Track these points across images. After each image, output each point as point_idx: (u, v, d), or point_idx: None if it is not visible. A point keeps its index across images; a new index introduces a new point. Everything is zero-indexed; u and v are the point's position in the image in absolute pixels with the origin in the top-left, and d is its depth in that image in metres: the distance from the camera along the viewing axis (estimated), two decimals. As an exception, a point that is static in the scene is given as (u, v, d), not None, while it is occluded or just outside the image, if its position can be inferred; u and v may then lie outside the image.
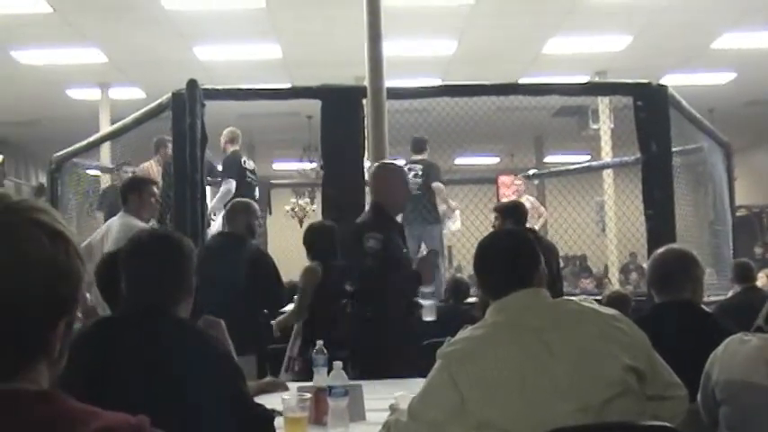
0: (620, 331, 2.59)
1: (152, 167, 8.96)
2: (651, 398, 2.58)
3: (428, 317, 5.52)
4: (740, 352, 3.09)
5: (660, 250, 3.94)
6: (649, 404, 2.58)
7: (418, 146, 9.82)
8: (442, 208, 9.89)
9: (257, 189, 9.32)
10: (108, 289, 3.45)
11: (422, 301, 5.54)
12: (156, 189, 6.34)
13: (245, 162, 8.78)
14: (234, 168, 8.83)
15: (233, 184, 8.54)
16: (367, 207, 6.11)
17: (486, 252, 2.81)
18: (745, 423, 2.96)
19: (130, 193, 6.19)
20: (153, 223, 6.68)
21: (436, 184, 9.66)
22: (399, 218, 5.94)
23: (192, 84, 7.12)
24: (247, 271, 5.88)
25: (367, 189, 7.28)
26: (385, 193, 5.48)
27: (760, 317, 3.10)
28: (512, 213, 6.90)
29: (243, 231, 6.13)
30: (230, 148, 9.15)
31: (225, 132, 9.27)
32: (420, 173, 9.59)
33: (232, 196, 8.10)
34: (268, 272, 6.05)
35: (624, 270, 16.11)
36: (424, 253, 7.73)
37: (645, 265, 6.45)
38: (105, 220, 7.54)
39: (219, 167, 9.19)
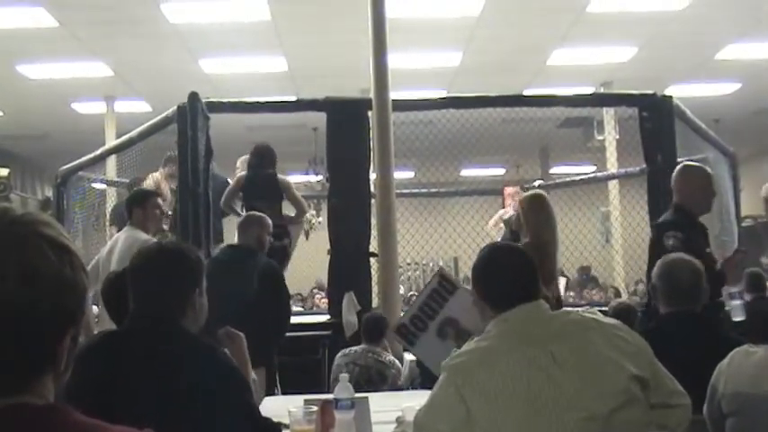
0: (623, 340, 2.59)
1: (160, 179, 8.97)
2: (655, 406, 2.58)
3: (738, 316, 5.43)
4: (746, 364, 3.08)
5: (667, 260, 3.93)
6: (654, 413, 2.57)
7: None
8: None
9: None
10: (113, 306, 3.45)
11: (732, 302, 5.42)
12: (160, 201, 6.34)
13: None
14: None
15: None
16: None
17: (492, 266, 2.81)
18: (753, 434, 2.96)
19: (135, 207, 6.20)
20: (159, 235, 6.69)
21: None
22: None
23: (194, 96, 7.13)
24: (257, 284, 5.88)
25: (373, 201, 7.30)
26: (687, 194, 5.34)
27: None
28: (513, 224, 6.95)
29: (254, 244, 6.14)
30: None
31: (243, 159, 9.37)
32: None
33: None
34: (277, 285, 6.06)
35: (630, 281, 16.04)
36: None
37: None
38: None
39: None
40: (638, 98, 8.05)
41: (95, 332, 5.03)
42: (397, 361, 6.02)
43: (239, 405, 2.71)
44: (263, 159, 7.76)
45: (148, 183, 8.63)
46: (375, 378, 5.72)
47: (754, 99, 15.14)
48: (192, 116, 7.04)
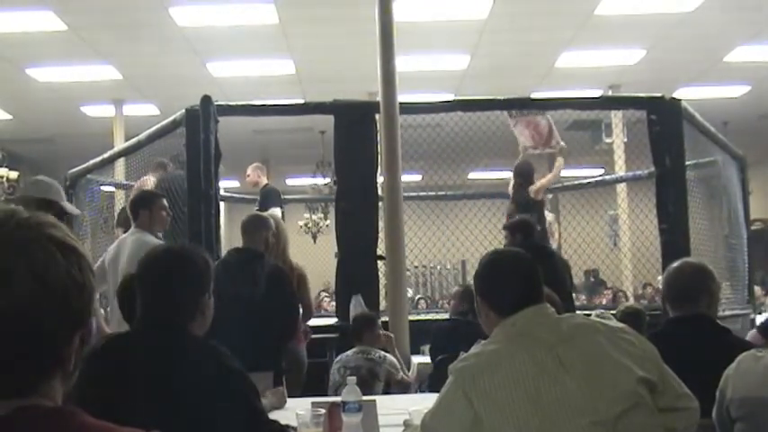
0: (630, 343, 2.58)
1: (149, 182, 9.06)
2: (663, 410, 2.57)
3: None
4: (754, 369, 3.08)
5: (675, 264, 3.90)
6: (662, 416, 2.56)
7: None
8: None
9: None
10: (127, 308, 3.46)
11: None
12: (165, 202, 6.32)
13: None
14: (277, 198, 9.23)
15: (279, 212, 8.66)
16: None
17: (495, 272, 2.80)
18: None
19: (141, 209, 6.16)
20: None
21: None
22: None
23: (206, 100, 7.15)
24: (265, 287, 5.87)
25: (381, 204, 7.29)
26: None
27: None
28: (520, 229, 6.95)
29: (260, 247, 6.14)
30: (265, 180, 9.74)
31: (255, 166, 9.66)
32: None
33: None
34: (285, 288, 6.04)
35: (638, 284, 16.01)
36: None
37: (659, 278, 6.42)
38: None
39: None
40: (646, 101, 8.04)
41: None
42: (388, 355, 5.99)
43: (244, 409, 2.70)
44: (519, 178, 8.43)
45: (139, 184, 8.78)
46: (366, 377, 5.70)
47: (763, 102, 15.11)
48: (204, 119, 7.05)
